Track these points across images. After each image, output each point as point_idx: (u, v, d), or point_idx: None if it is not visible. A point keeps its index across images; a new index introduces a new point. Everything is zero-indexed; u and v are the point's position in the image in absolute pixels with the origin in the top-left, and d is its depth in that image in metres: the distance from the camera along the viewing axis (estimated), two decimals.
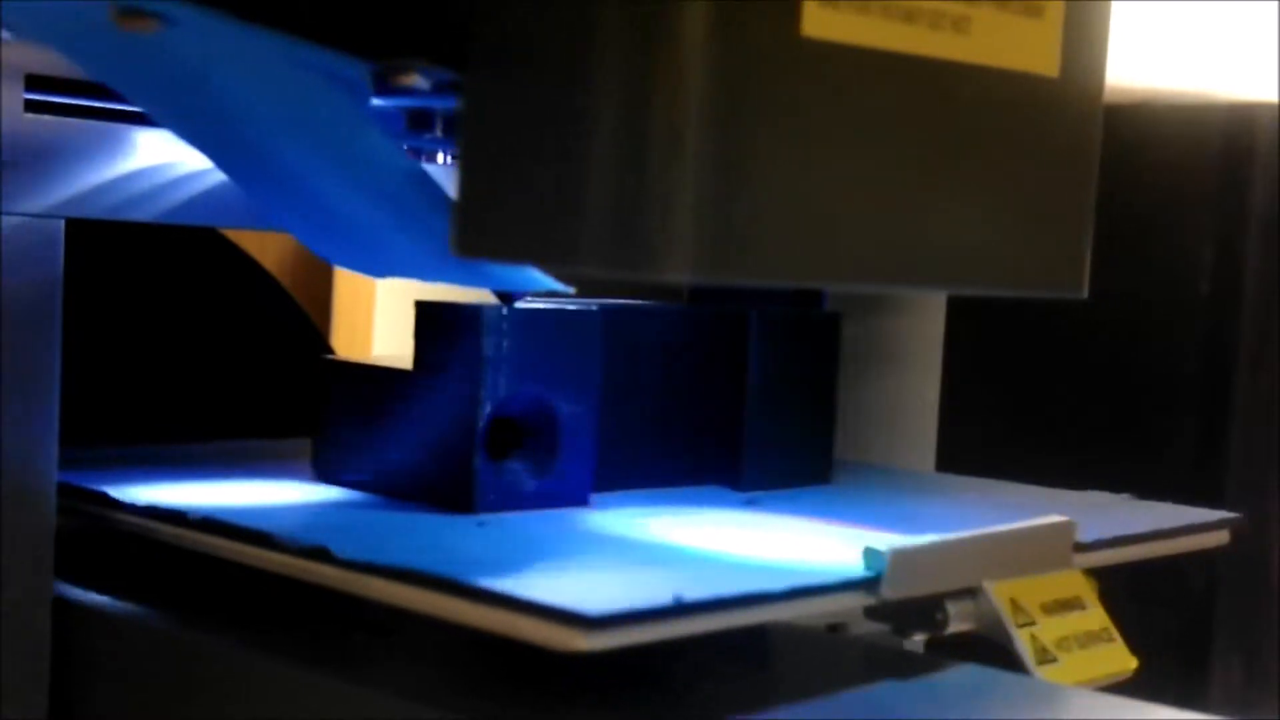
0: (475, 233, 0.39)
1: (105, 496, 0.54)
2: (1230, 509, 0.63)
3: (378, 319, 1.48)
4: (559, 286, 0.56)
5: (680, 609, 0.41)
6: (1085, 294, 0.45)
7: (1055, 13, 0.43)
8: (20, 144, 0.51)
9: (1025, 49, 0.42)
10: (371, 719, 0.45)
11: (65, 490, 0.54)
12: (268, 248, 1.17)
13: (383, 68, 0.42)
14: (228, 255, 0.78)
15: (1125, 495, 0.64)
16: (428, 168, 0.56)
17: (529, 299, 0.57)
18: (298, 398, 0.79)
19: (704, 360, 0.63)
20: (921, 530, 0.51)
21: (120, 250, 0.71)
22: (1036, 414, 0.95)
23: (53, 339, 0.51)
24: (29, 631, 0.51)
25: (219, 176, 0.57)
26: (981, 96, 0.41)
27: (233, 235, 0.77)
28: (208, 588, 0.54)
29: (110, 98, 0.53)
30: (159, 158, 0.55)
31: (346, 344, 1.40)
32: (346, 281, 1.50)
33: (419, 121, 0.53)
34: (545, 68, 0.37)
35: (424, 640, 0.50)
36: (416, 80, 0.42)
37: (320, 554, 0.46)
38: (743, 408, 0.63)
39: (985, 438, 0.88)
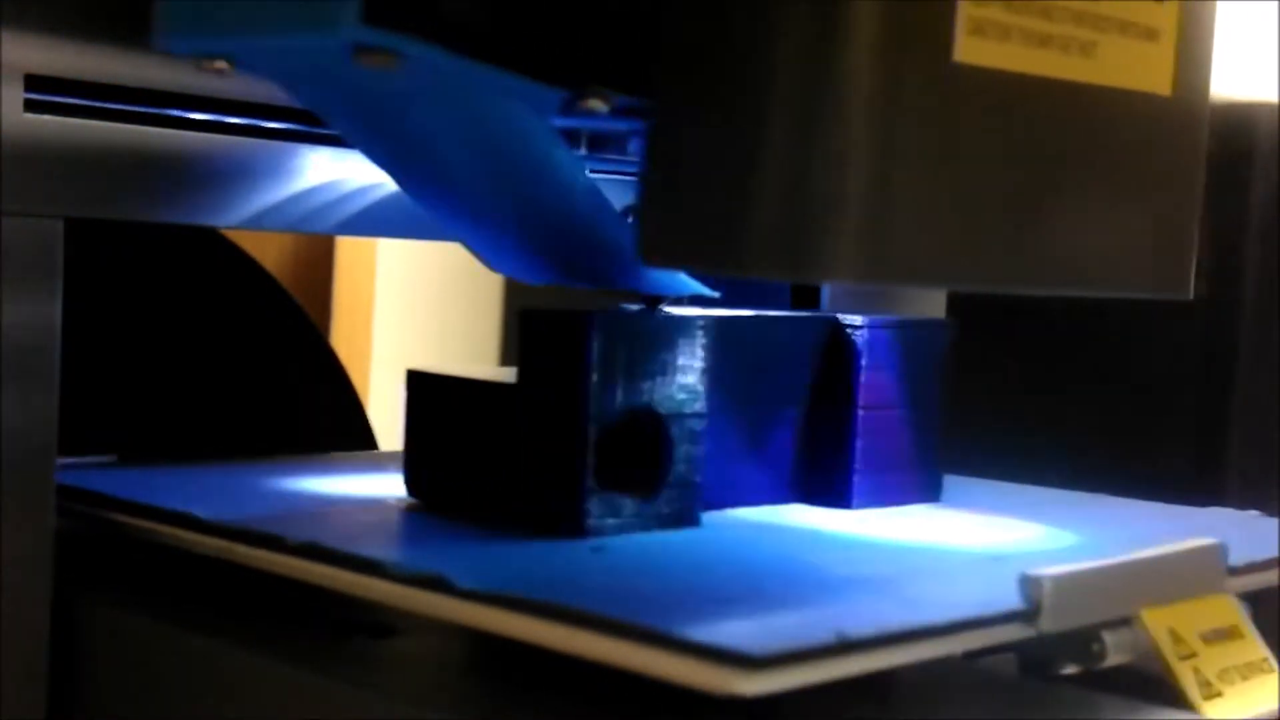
0: (658, 241, 0.43)
1: (191, 517, 0.51)
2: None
3: (377, 319, 1.49)
4: (706, 291, 0.56)
5: (844, 647, 0.38)
6: (1191, 295, 0.48)
7: (1169, 37, 0.46)
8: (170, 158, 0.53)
9: (1143, 71, 0.46)
10: (371, 719, 0.45)
11: (134, 508, 0.53)
12: (268, 248, 1.17)
13: (574, 93, 0.45)
14: (228, 255, 0.78)
15: (1254, 512, 0.61)
16: None
17: (671, 304, 0.55)
18: (297, 398, 0.79)
19: (810, 372, 0.59)
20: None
21: (120, 251, 0.71)
22: (1036, 414, 0.95)
23: (52, 339, 0.51)
24: (29, 631, 0.51)
25: (383, 191, 0.58)
26: (1104, 114, 0.45)
27: (233, 235, 0.77)
28: (207, 588, 0.54)
29: (278, 119, 0.55)
30: (328, 176, 0.58)
31: (346, 344, 1.40)
32: (346, 281, 1.50)
33: (568, 139, 0.56)
34: (722, 92, 0.41)
35: (423, 641, 0.50)
36: (601, 105, 0.45)
37: (438, 583, 0.43)
38: (852, 421, 0.58)
39: (985, 438, 0.88)
